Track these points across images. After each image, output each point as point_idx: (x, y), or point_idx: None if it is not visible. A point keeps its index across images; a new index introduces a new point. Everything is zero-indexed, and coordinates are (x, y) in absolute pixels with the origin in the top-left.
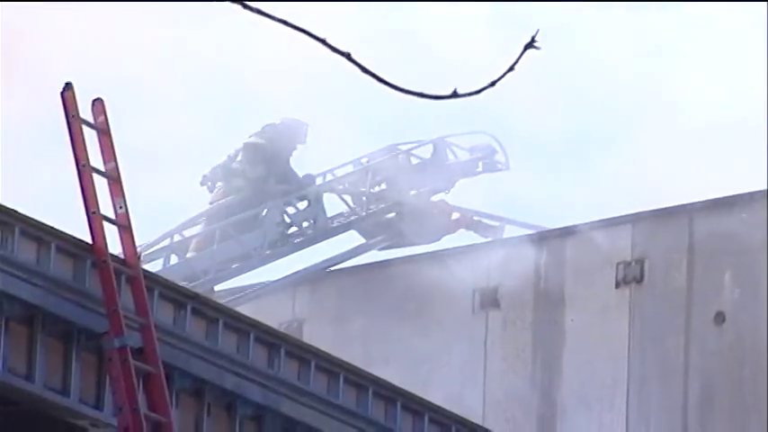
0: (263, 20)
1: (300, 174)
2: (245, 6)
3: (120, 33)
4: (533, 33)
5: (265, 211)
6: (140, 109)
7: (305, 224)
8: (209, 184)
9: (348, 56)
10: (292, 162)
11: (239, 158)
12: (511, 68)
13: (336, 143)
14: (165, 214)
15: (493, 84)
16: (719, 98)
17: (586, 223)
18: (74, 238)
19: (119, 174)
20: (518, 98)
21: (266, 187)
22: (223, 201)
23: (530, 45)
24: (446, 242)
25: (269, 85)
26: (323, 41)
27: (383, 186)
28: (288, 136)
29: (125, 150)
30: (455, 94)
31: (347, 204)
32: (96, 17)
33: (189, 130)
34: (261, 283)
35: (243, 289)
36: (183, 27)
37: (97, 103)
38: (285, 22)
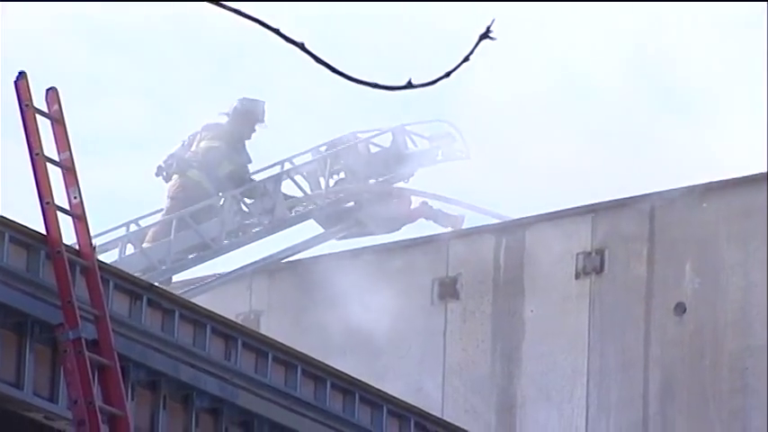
0: (219, 10)
1: (256, 162)
2: None
3: (69, 17)
4: (488, 24)
5: (222, 200)
6: (92, 97)
7: (262, 214)
8: (165, 174)
9: (302, 46)
10: (250, 146)
11: (193, 148)
12: (466, 59)
13: (295, 131)
14: (120, 202)
15: (448, 74)
16: (684, 87)
17: (546, 213)
18: (27, 228)
19: (73, 163)
20: (478, 86)
21: (221, 177)
22: (181, 193)
23: (485, 36)
24: (405, 232)
25: (227, 73)
26: (276, 31)
27: (342, 175)
28: (247, 116)
29: (78, 139)
30: (410, 85)
31: (305, 193)
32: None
33: (142, 118)
34: (218, 273)
35: (200, 280)
36: (136, 11)
37: (51, 93)
38: (239, 12)
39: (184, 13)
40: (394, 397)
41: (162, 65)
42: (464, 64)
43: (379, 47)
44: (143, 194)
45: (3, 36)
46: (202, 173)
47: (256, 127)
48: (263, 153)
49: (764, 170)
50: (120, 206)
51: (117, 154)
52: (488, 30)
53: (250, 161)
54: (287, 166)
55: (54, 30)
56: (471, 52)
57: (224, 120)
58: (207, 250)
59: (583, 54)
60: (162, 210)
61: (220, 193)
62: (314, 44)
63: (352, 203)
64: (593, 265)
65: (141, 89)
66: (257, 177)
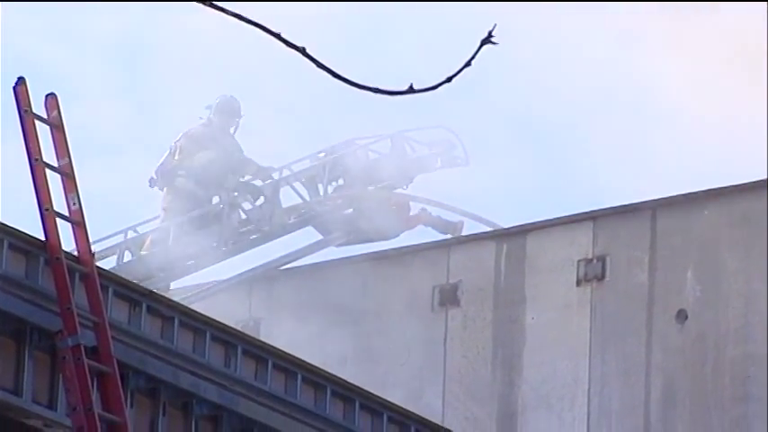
0: (216, 12)
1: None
2: None
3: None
4: (490, 29)
5: (221, 206)
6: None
7: (261, 221)
8: (158, 186)
9: (303, 50)
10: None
11: (176, 157)
12: (467, 64)
13: (293, 137)
14: (118, 207)
15: (449, 79)
16: (683, 92)
17: (547, 220)
18: (26, 234)
19: (72, 169)
20: (477, 92)
21: (212, 174)
22: (173, 203)
23: (486, 40)
24: (405, 238)
25: (210, 76)
26: (277, 36)
27: (341, 182)
28: (229, 111)
29: (77, 141)
30: (411, 90)
31: (304, 200)
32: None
33: (120, 120)
34: (217, 280)
35: (199, 286)
36: (136, 18)
37: (50, 98)
38: (239, 16)
39: (180, 16)
40: (394, 404)
41: (142, 67)
42: (465, 69)
43: (385, 51)
44: (124, 199)
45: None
46: (190, 180)
47: (238, 120)
48: (261, 160)
49: (765, 176)
50: (117, 210)
51: (94, 158)
52: (490, 35)
53: (241, 150)
54: (285, 172)
55: (30, 31)
56: (473, 57)
57: (205, 115)
58: (206, 257)
59: (583, 58)
60: (158, 217)
61: (218, 198)
62: (302, 41)
63: (351, 210)
64: (594, 272)
65: (118, 91)
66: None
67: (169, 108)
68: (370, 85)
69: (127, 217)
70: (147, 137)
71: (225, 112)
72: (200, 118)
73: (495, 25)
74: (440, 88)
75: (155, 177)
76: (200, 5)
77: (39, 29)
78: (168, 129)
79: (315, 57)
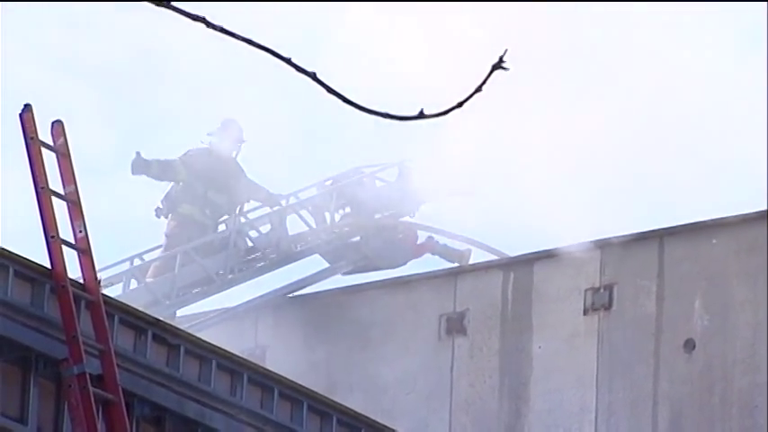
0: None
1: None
2: (209, 24)
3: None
4: (501, 54)
5: (228, 233)
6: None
7: (268, 248)
8: (164, 213)
9: (313, 75)
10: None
11: (180, 184)
12: (478, 89)
13: (300, 165)
14: (123, 234)
15: (460, 105)
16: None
17: (554, 249)
18: (32, 262)
19: (78, 197)
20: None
21: (214, 199)
22: (176, 229)
23: (498, 66)
24: (412, 267)
25: (228, 103)
26: (288, 61)
27: (347, 210)
28: (232, 133)
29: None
30: (422, 115)
31: (310, 228)
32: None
33: (108, 146)
34: (223, 308)
35: (205, 314)
36: (146, 42)
37: (56, 126)
38: (250, 41)
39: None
40: None
41: (128, 93)
42: (476, 94)
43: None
44: (147, 223)
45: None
46: (195, 207)
47: (239, 145)
48: (268, 186)
49: None
50: (123, 236)
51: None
52: (501, 60)
53: (245, 174)
54: (292, 200)
55: (15, 54)
56: (484, 82)
57: (209, 140)
58: (211, 285)
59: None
60: (161, 246)
61: (224, 226)
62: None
63: (357, 238)
64: (601, 301)
65: (106, 117)
66: (261, 212)
67: (170, 132)
68: (380, 110)
69: (132, 245)
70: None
71: (227, 136)
72: (201, 142)
73: (507, 50)
74: (450, 113)
75: (161, 207)
76: (209, 30)
77: (35, 57)
78: (169, 153)
79: (325, 82)
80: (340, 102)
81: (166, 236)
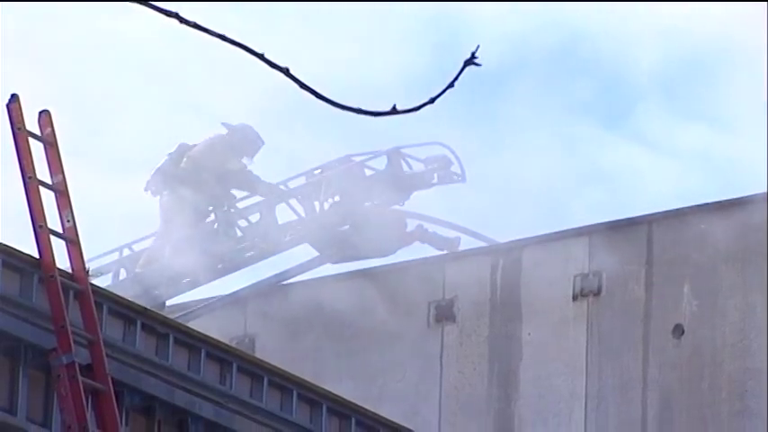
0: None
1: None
2: (182, 21)
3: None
4: (473, 49)
5: (216, 224)
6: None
7: (257, 238)
8: (153, 189)
9: (286, 71)
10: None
11: (183, 164)
12: (450, 85)
13: (289, 154)
14: (111, 221)
15: (432, 100)
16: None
17: (543, 235)
18: (20, 252)
19: (66, 186)
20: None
21: (217, 192)
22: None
23: (470, 62)
24: (401, 255)
25: (216, 96)
26: (260, 56)
27: (337, 198)
28: (245, 139)
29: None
30: (394, 111)
31: (300, 217)
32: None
33: (138, 138)
34: (212, 297)
35: (194, 304)
36: (129, 35)
37: (43, 115)
38: (223, 37)
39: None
40: (390, 420)
41: (157, 90)
42: (448, 90)
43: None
44: (135, 211)
45: None
46: (196, 191)
47: (247, 159)
48: (258, 175)
49: (763, 191)
50: (111, 224)
51: (113, 171)
52: (473, 56)
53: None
54: (281, 189)
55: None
56: (456, 78)
57: (224, 131)
58: (201, 274)
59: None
60: (154, 234)
61: (213, 216)
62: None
63: (347, 227)
64: (590, 287)
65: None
66: (252, 201)
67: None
68: (353, 106)
69: (122, 234)
70: (143, 156)
71: (242, 137)
72: (223, 125)
73: (479, 46)
74: (422, 109)
75: (151, 180)
76: (182, 25)
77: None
78: (163, 147)
79: (298, 77)
80: (313, 97)
81: (163, 221)
